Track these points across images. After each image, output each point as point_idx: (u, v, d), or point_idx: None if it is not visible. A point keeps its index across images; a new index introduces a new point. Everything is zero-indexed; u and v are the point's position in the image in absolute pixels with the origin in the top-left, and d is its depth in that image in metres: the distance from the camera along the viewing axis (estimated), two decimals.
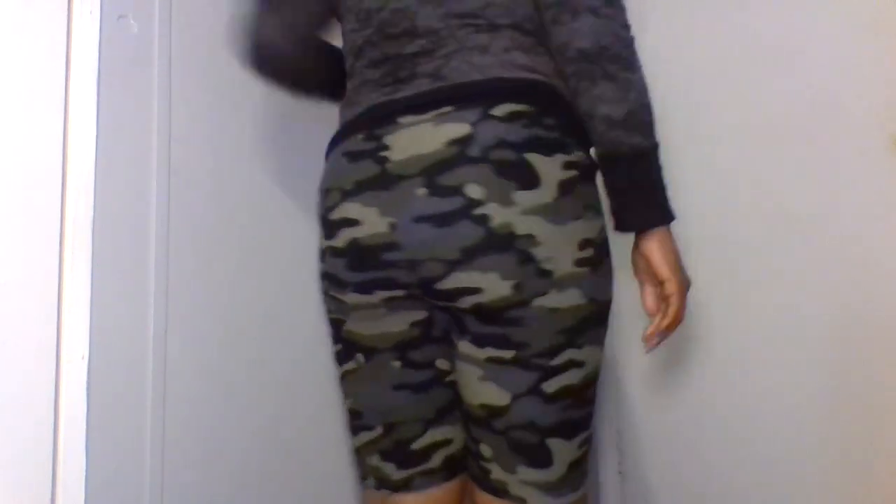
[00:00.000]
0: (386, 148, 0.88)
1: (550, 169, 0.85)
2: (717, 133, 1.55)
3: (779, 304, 1.44)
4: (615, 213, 0.89)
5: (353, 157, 0.91)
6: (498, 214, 0.84)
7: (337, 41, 1.01)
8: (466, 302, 0.87)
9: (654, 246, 0.89)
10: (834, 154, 1.39)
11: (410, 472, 0.96)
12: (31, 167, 0.85)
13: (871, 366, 1.34)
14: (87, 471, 0.86)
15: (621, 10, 0.89)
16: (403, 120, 0.87)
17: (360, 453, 0.99)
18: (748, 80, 1.49)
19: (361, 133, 0.91)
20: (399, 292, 0.90)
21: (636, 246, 0.91)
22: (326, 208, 0.94)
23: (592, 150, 0.90)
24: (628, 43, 0.88)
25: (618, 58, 0.86)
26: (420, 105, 0.88)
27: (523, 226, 0.84)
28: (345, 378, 0.98)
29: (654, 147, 0.88)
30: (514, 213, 0.84)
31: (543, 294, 0.85)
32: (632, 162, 0.87)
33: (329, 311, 0.98)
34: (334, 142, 0.96)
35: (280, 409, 1.11)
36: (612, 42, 0.86)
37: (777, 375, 1.45)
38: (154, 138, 0.98)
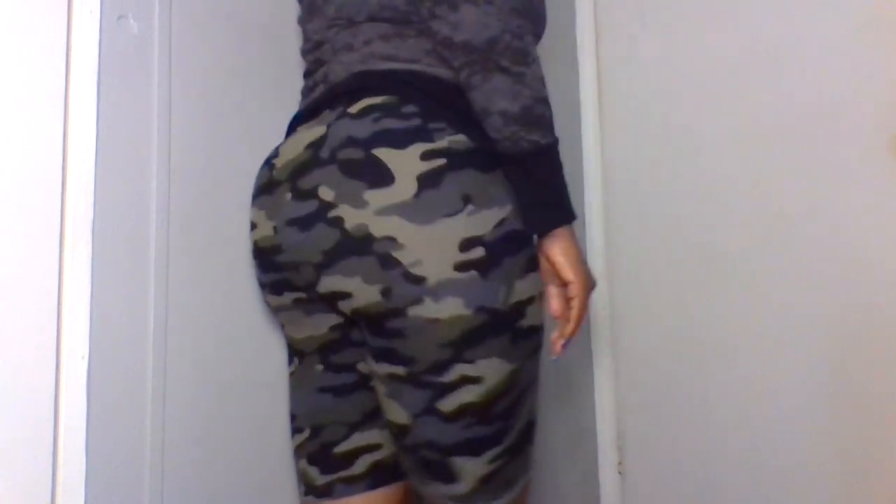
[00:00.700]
0: (277, 156, 0.91)
1: (405, 162, 0.79)
2: (717, 133, 1.55)
3: (778, 305, 1.44)
4: (523, 216, 0.83)
5: (263, 163, 0.96)
6: (351, 216, 0.79)
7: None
8: (345, 307, 0.84)
9: (557, 247, 0.84)
10: (834, 154, 1.39)
11: (332, 477, 0.93)
12: (31, 167, 0.85)
13: (872, 366, 1.34)
14: (87, 471, 0.86)
15: None
16: (300, 127, 0.91)
17: (294, 457, 0.99)
18: (748, 81, 1.49)
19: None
20: (302, 294, 0.90)
21: (538, 245, 0.86)
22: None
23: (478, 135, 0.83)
24: (519, 32, 0.79)
25: (509, 49, 0.78)
26: (311, 112, 0.91)
27: (380, 227, 0.78)
28: (289, 380, 1.00)
29: (554, 144, 0.82)
30: (368, 214, 0.78)
31: (418, 303, 0.77)
32: (532, 160, 0.81)
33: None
34: None
35: (281, 410, 1.11)
36: (500, 33, 0.78)
37: (777, 375, 1.45)
38: (154, 138, 0.98)
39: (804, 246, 1.41)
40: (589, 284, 0.87)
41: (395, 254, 0.77)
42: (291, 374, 0.99)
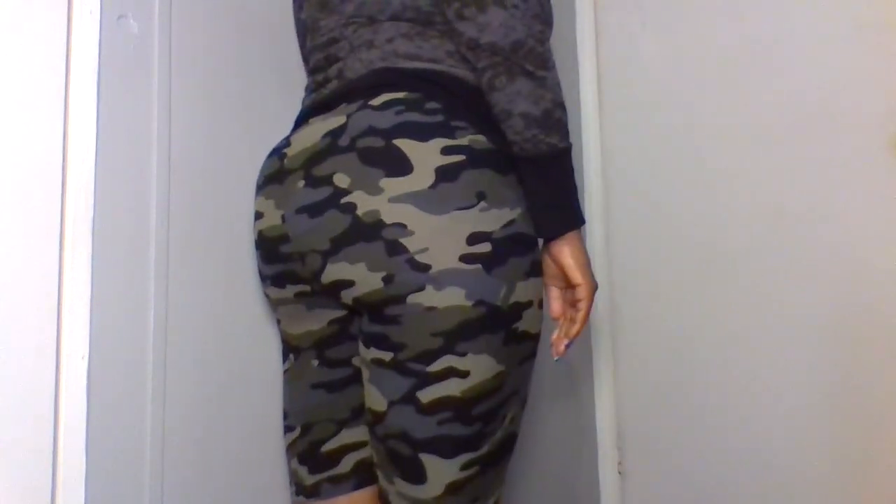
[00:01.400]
0: (288, 145, 0.90)
1: (425, 154, 0.79)
2: (717, 133, 1.55)
3: (778, 305, 1.44)
4: (535, 219, 0.84)
5: (270, 153, 0.95)
6: (364, 202, 0.79)
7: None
8: (347, 296, 0.83)
9: (566, 250, 0.85)
10: (833, 154, 1.39)
11: (319, 477, 0.92)
12: (31, 167, 0.85)
13: (871, 365, 1.34)
14: (87, 471, 0.86)
15: (532, 1, 0.81)
16: (312, 120, 0.90)
17: (286, 456, 0.98)
18: (748, 81, 1.49)
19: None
20: (305, 287, 0.90)
21: (545, 248, 0.87)
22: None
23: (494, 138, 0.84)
24: (542, 38, 0.82)
25: (533, 53, 0.81)
26: (324, 106, 0.90)
27: (392, 213, 0.78)
28: (283, 378, 0.99)
29: (568, 149, 0.84)
30: (382, 200, 0.78)
31: (420, 290, 0.78)
32: (548, 163, 0.83)
33: (271, 309, 1.00)
34: None
35: (281, 409, 1.11)
36: (525, 37, 0.80)
37: (776, 375, 1.45)
38: (154, 138, 0.98)
39: (804, 246, 1.41)
40: (594, 287, 0.88)
41: (403, 240, 0.78)
42: (286, 371, 0.98)
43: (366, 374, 0.85)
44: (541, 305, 0.86)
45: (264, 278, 0.97)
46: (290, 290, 0.92)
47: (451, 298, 0.78)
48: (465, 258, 0.78)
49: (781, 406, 1.44)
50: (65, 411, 0.85)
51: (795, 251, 1.44)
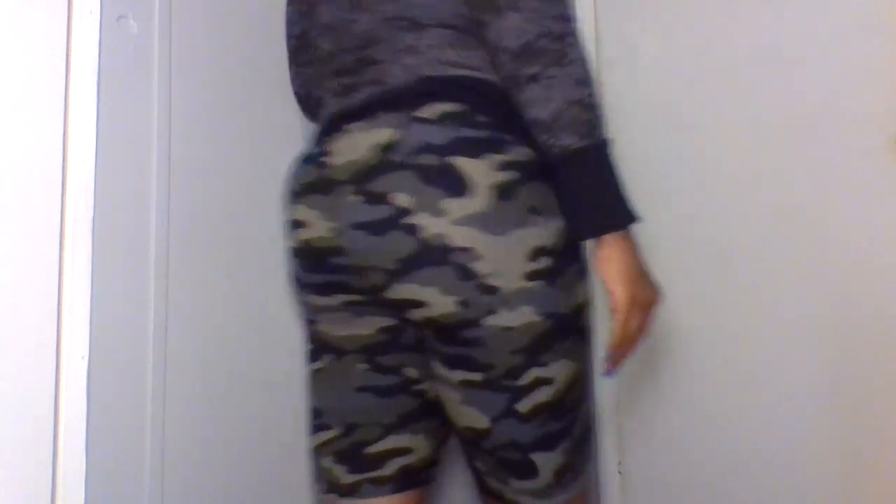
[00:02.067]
0: (327, 153, 0.88)
1: (480, 172, 0.80)
2: (717, 133, 1.55)
3: (778, 304, 1.44)
4: (566, 220, 0.84)
5: (304, 161, 0.92)
6: (429, 225, 0.79)
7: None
8: (416, 315, 0.84)
9: (601, 254, 0.83)
10: (834, 154, 1.39)
11: (360, 477, 0.93)
12: (31, 167, 0.85)
13: (872, 365, 1.34)
14: (87, 471, 0.86)
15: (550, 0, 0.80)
16: (347, 127, 0.87)
17: (314, 454, 0.97)
18: (748, 81, 1.49)
19: (317, 140, 0.92)
20: (357, 297, 0.89)
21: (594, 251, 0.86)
22: (284, 208, 0.95)
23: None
24: (558, 34, 0.79)
25: (542, 54, 0.79)
26: (360, 112, 0.87)
27: (458, 237, 0.79)
28: (311, 377, 0.97)
29: (594, 147, 0.80)
30: (446, 223, 0.79)
31: (493, 312, 0.80)
32: (571, 164, 0.80)
33: (301, 312, 0.98)
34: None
35: (281, 409, 1.11)
36: (535, 38, 0.78)
37: (777, 375, 1.45)
38: (154, 138, 0.98)
39: (803, 245, 1.41)
40: (640, 298, 0.85)
41: (472, 265, 0.80)
42: (317, 370, 0.96)
43: (454, 395, 0.87)
44: (589, 300, 0.91)
45: (304, 286, 0.94)
46: (337, 299, 0.91)
47: (523, 317, 0.81)
48: (529, 276, 0.81)
49: (782, 406, 1.44)
50: (65, 411, 0.85)
51: (795, 251, 1.43)
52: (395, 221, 0.81)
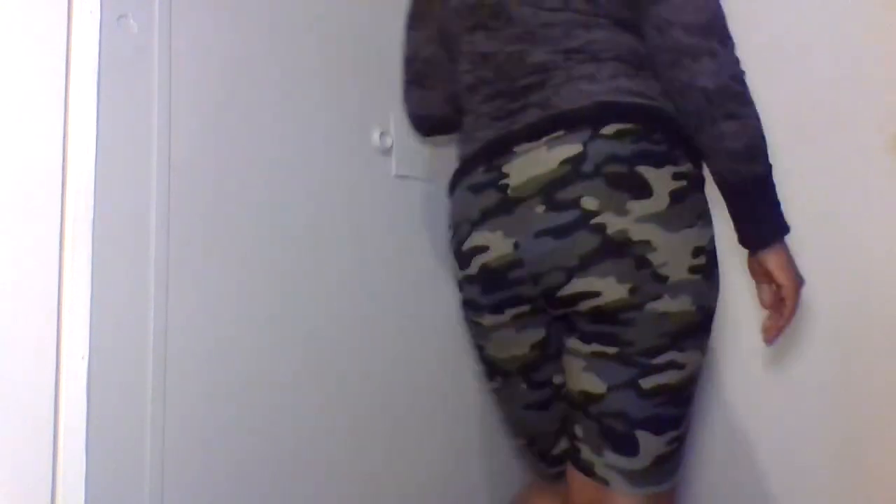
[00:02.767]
0: (505, 176, 0.97)
1: (661, 179, 0.92)
2: None
3: None
4: (739, 233, 0.98)
5: (477, 189, 1.01)
6: (614, 223, 0.90)
7: None
8: (585, 306, 0.94)
9: (771, 257, 0.98)
10: (834, 154, 1.39)
11: (558, 469, 1.09)
12: (31, 167, 0.85)
13: (872, 365, 1.34)
14: (87, 471, 0.86)
15: (733, 47, 0.94)
16: (518, 149, 0.96)
17: (521, 453, 1.20)
18: (747, 81, 1.49)
19: (482, 166, 1.01)
20: (525, 307, 1.01)
21: (753, 254, 1.00)
22: (458, 241, 1.05)
23: (703, 164, 0.99)
24: (741, 78, 0.94)
25: (736, 95, 0.92)
26: (533, 133, 0.96)
27: (639, 232, 0.91)
28: (493, 393, 1.16)
29: (769, 171, 0.96)
30: (630, 220, 0.91)
31: (657, 298, 0.91)
32: (752, 188, 0.95)
33: (472, 336, 1.11)
34: (457, 176, 1.07)
35: (281, 410, 1.11)
36: (729, 81, 0.92)
37: (776, 374, 1.45)
38: (154, 138, 0.98)
39: (803, 245, 1.41)
40: (799, 284, 0.99)
41: (649, 256, 0.91)
42: (496, 390, 1.12)
43: (578, 363, 0.97)
44: None
45: (479, 308, 1.05)
46: (507, 315, 1.02)
47: (681, 305, 0.92)
48: (692, 269, 0.92)
49: (782, 406, 1.44)
50: (65, 411, 0.85)
51: (795, 251, 1.43)
52: (583, 223, 0.92)
